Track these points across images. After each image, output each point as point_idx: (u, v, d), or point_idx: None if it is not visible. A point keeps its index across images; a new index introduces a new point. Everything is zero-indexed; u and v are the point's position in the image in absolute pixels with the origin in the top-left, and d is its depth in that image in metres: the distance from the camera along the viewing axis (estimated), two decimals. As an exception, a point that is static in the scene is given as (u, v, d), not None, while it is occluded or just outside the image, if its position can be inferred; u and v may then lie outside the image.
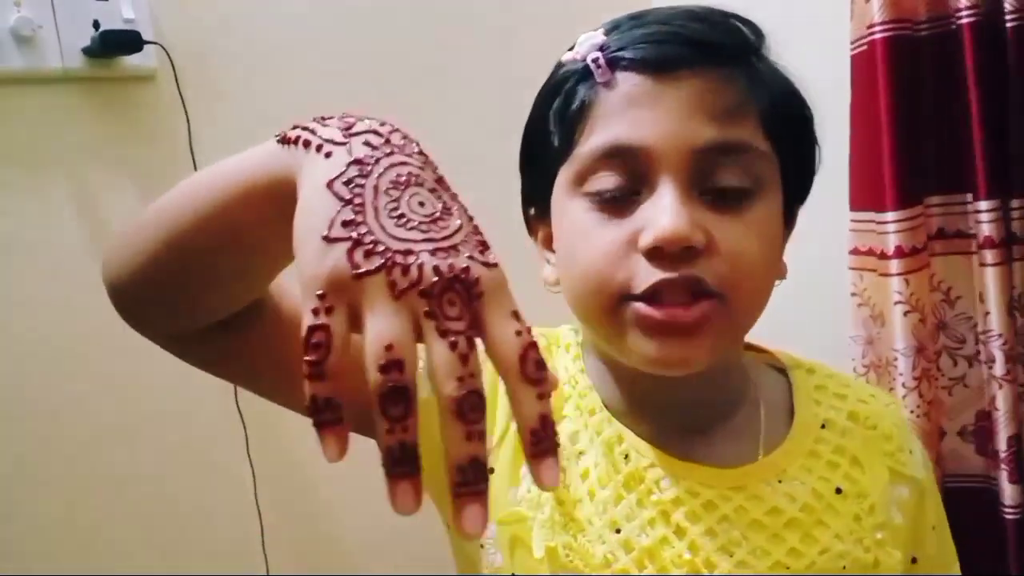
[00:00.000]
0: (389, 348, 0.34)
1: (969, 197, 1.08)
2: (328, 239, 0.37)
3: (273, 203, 0.46)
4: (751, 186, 0.61)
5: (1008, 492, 1.06)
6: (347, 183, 0.39)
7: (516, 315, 0.37)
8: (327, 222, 0.37)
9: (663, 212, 0.58)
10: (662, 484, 0.65)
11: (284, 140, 0.46)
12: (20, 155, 1.44)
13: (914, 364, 1.09)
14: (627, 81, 0.61)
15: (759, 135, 0.61)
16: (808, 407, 0.70)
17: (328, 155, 0.41)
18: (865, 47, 1.13)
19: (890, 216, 1.10)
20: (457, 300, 0.36)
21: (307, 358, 0.34)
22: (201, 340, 0.61)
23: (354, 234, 0.36)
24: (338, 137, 0.42)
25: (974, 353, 1.10)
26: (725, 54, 0.62)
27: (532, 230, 0.74)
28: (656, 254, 0.58)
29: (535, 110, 0.68)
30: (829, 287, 1.31)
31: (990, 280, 1.04)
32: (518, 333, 0.36)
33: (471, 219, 0.41)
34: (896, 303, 1.10)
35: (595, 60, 0.62)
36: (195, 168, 1.53)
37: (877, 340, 1.18)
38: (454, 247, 0.38)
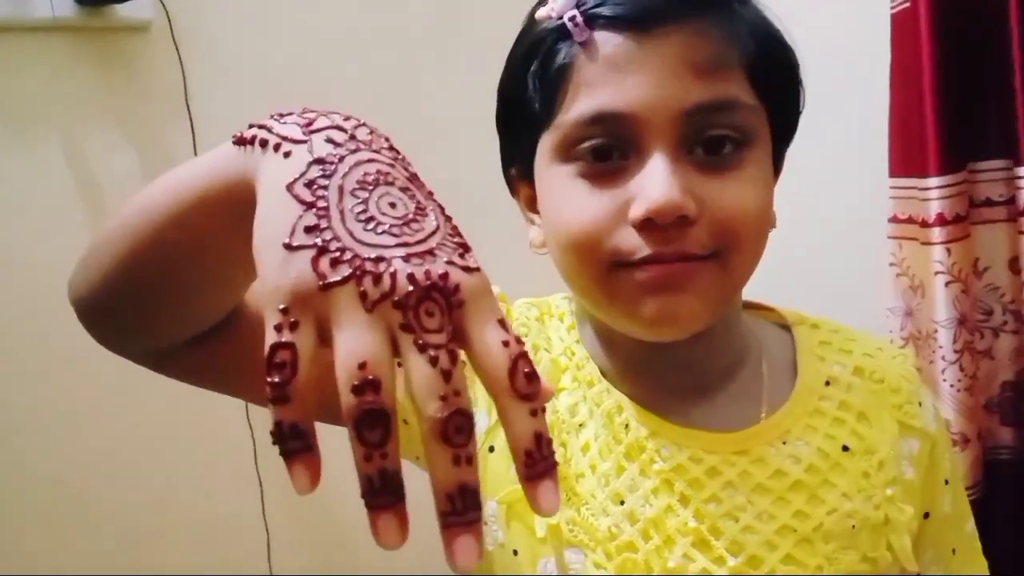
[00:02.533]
0: (362, 367, 0.32)
1: (1009, 163, 1.10)
2: (290, 247, 0.35)
3: (232, 209, 0.45)
4: (741, 140, 0.62)
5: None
6: (308, 185, 0.38)
7: (502, 323, 0.36)
8: (288, 228, 0.36)
9: (654, 182, 0.59)
10: (664, 452, 0.66)
11: (240, 141, 0.44)
12: (8, 108, 1.45)
13: (955, 336, 1.11)
14: (608, 42, 0.61)
15: (746, 87, 0.62)
16: (812, 364, 0.72)
17: (287, 155, 0.40)
18: (907, 4, 1.14)
19: (932, 182, 1.11)
20: (436, 310, 0.35)
21: (271, 379, 0.33)
22: (176, 354, 0.61)
23: (318, 241, 0.35)
24: (297, 134, 0.41)
25: (1000, 324, 1.14)
26: (706, 2, 0.62)
27: (514, 190, 0.75)
28: (647, 225, 0.59)
29: (510, 69, 0.68)
30: (866, 257, 1.33)
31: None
32: (505, 343, 0.35)
33: (448, 219, 0.40)
34: (937, 273, 1.12)
35: (572, 19, 0.62)
36: (191, 122, 1.55)
37: (917, 311, 1.20)
38: (430, 251, 0.36)
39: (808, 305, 0.79)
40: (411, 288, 0.34)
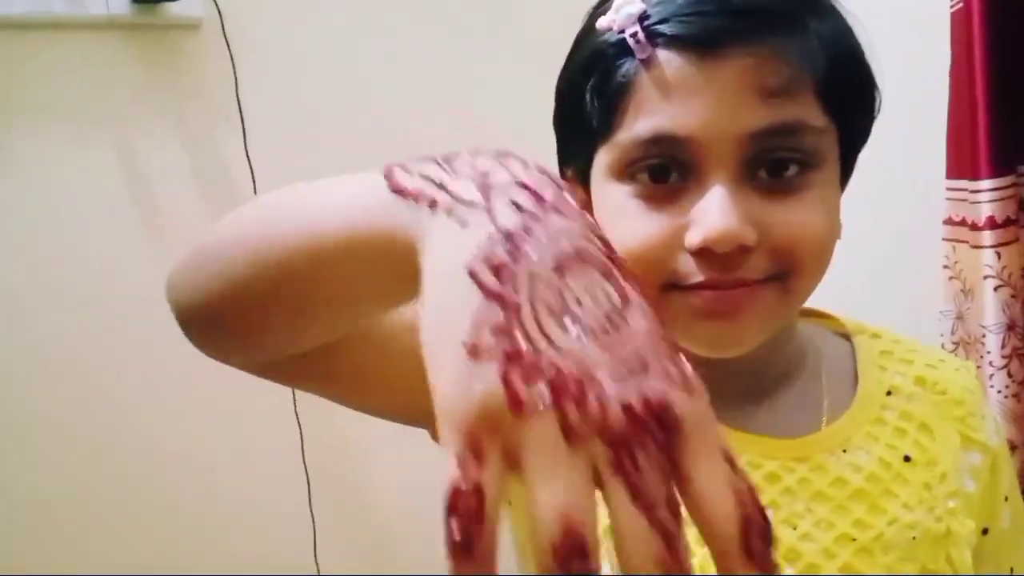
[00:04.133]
0: (566, 524, 0.28)
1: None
2: (474, 353, 0.31)
3: (379, 263, 0.41)
4: (807, 163, 0.61)
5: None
6: (494, 268, 0.33)
7: (730, 460, 0.31)
8: (470, 326, 0.31)
9: (712, 209, 0.58)
10: None
11: (400, 191, 0.39)
12: (63, 104, 1.53)
13: (1004, 342, 1.12)
14: (670, 62, 0.60)
15: (815, 109, 0.61)
16: (873, 373, 0.72)
17: (464, 223, 0.35)
18: (962, 4, 1.17)
19: (983, 184, 1.12)
20: (653, 447, 0.30)
21: (452, 525, 0.29)
22: (283, 365, 0.58)
23: (508, 347, 0.31)
24: (474, 195, 0.36)
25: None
26: (777, 21, 0.60)
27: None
28: (704, 253, 0.59)
29: (568, 76, 0.67)
30: (922, 260, 1.35)
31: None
32: (736, 489, 0.31)
33: (651, 310, 0.35)
34: (986, 277, 1.13)
35: (634, 35, 0.60)
36: (242, 120, 1.61)
37: (967, 315, 1.21)
38: (643, 365, 0.31)
39: (862, 308, 0.80)
40: (625, 419, 0.30)
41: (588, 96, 0.64)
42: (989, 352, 1.14)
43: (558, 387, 0.30)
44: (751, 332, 0.62)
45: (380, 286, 0.44)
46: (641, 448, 0.30)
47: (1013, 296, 1.13)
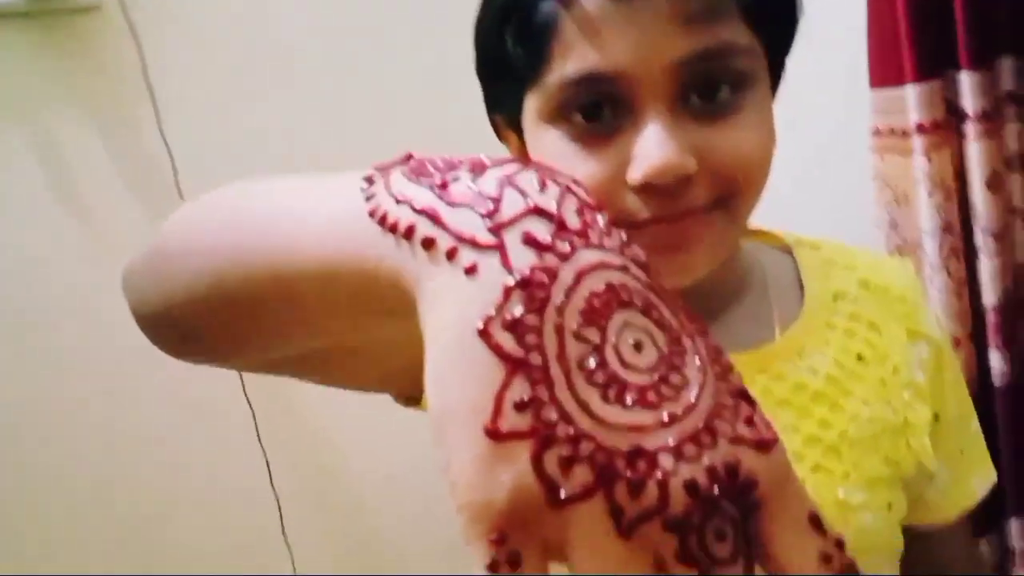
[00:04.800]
0: None
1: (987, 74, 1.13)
2: (497, 436, 0.26)
3: (362, 301, 0.36)
4: (738, 84, 0.60)
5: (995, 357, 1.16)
6: (512, 326, 0.27)
7: (816, 522, 0.28)
8: (489, 403, 0.27)
9: (650, 144, 0.57)
10: None
11: (385, 223, 0.33)
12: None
13: (940, 244, 1.17)
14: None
15: (740, 28, 0.60)
16: (818, 281, 0.74)
17: (471, 270, 0.29)
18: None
19: (910, 90, 1.15)
20: (728, 528, 0.26)
21: None
22: (263, 367, 0.55)
23: (538, 425, 0.26)
24: (481, 234, 0.30)
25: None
26: None
27: (500, 135, 0.73)
28: (648, 188, 0.58)
29: (485, 21, 0.66)
30: (850, 173, 1.38)
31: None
32: (826, 558, 0.27)
33: (709, 343, 0.31)
34: (919, 183, 1.17)
35: None
36: (152, 99, 1.57)
37: (902, 222, 1.25)
38: (708, 427, 0.27)
39: (795, 222, 0.82)
40: (691, 501, 0.26)
41: (510, 42, 0.63)
42: (928, 255, 1.18)
43: (603, 469, 0.25)
44: (703, 260, 0.63)
45: (361, 321, 0.39)
46: (714, 534, 0.25)
47: (947, 199, 1.16)
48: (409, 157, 0.36)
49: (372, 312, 0.36)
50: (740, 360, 0.68)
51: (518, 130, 0.67)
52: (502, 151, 0.74)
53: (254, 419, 1.66)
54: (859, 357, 0.71)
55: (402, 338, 0.34)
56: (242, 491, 1.70)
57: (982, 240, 1.15)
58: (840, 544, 0.28)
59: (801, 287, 0.75)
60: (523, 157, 0.69)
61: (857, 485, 0.67)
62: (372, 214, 0.33)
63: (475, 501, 0.26)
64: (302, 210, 0.39)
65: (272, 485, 1.70)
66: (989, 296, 1.16)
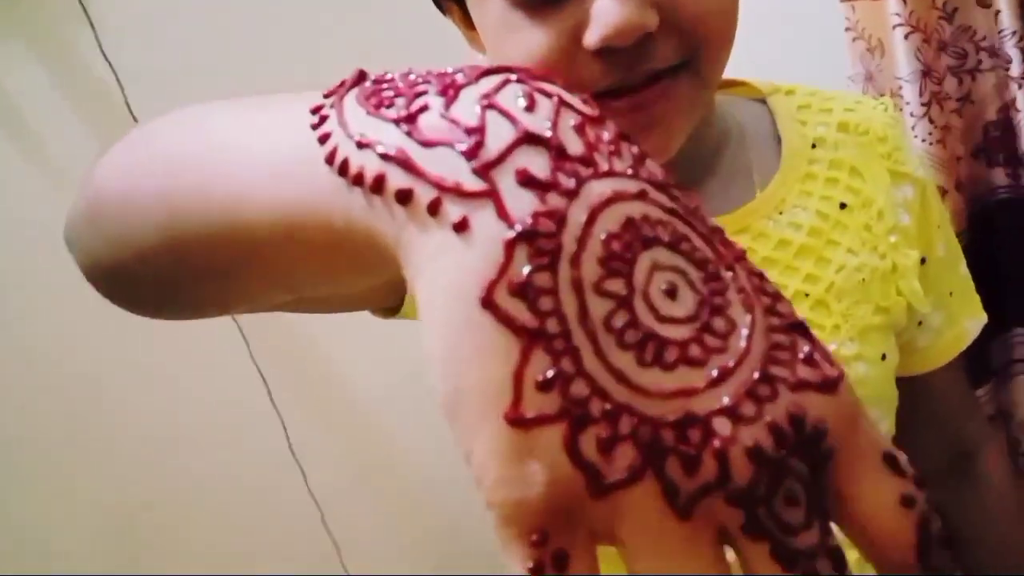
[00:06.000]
0: None
1: None
2: (521, 423, 0.23)
3: (332, 261, 0.32)
4: None
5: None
6: (521, 292, 0.23)
7: (892, 462, 0.25)
8: (508, 386, 0.23)
9: (607, 2, 0.53)
10: None
11: (347, 173, 0.28)
12: None
13: (921, 89, 1.13)
14: None
15: None
16: (794, 129, 0.72)
17: (461, 226, 0.25)
18: None
19: None
20: (799, 490, 0.23)
21: None
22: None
23: (568, 405, 0.23)
24: (467, 179, 0.25)
25: (976, 65, 1.16)
26: None
27: (444, 9, 0.68)
28: (607, 51, 0.54)
29: None
30: (822, 29, 1.34)
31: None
32: (907, 500, 0.24)
33: (752, 270, 0.27)
34: (895, 27, 1.12)
35: None
36: (90, 22, 1.51)
37: (878, 73, 1.21)
38: (766, 376, 0.24)
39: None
40: (755, 470, 0.23)
41: None
42: (908, 103, 1.15)
43: (650, 445, 0.22)
44: (675, 134, 0.60)
45: (335, 278, 0.34)
46: (784, 500, 0.23)
47: (925, 41, 1.13)
48: (361, 77, 0.31)
49: (346, 271, 0.32)
50: (721, 222, 0.67)
51: (460, 3, 0.63)
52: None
53: (245, 341, 1.64)
54: (842, 205, 0.69)
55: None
56: (244, 414, 1.69)
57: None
58: (919, 483, 0.25)
59: (779, 137, 0.72)
60: (468, 27, 0.65)
61: (849, 336, 0.66)
62: (330, 161, 0.28)
63: (507, 500, 0.23)
64: (250, 151, 0.34)
65: (273, 404, 1.68)
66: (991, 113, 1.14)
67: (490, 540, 0.24)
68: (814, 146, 0.71)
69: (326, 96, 0.31)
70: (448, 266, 0.24)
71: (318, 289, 0.39)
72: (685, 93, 0.58)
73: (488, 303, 0.23)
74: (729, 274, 0.26)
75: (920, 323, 0.74)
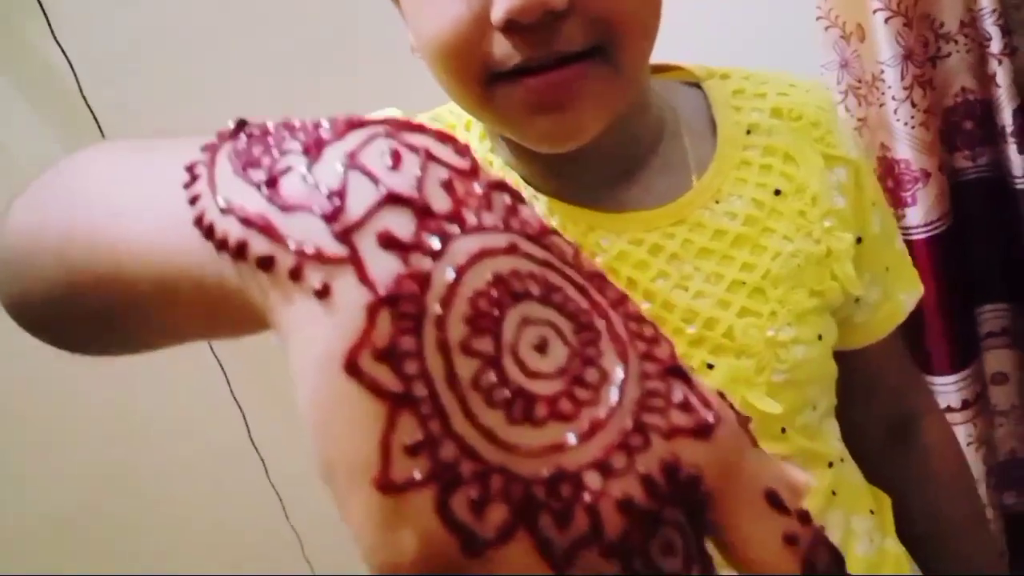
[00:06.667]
0: None
1: None
2: (390, 489, 0.22)
3: (213, 319, 0.32)
4: None
5: (1018, 163, 1.15)
6: (385, 357, 0.23)
7: (774, 500, 0.25)
8: (375, 453, 0.23)
9: None
10: (603, 244, 0.67)
11: (213, 237, 0.27)
12: None
13: (903, 73, 1.14)
14: None
15: None
16: (729, 116, 0.72)
17: (323, 293, 0.24)
18: None
19: None
20: (676, 537, 0.23)
21: None
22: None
23: (438, 467, 0.22)
24: (327, 244, 0.24)
25: (936, 52, 1.18)
26: None
27: None
28: (512, 27, 0.54)
29: None
30: (795, 16, 1.34)
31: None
32: (790, 539, 0.25)
33: (630, 313, 0.27)
34: (876, 11, 1.13)
35: None
36: (41, 5, 1.47)
37: (854, 59, 1.22)
38: (638, 426, 0.24)
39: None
40: (628, 521, 0.23)
41: None
42: (890, 87, 1.16)
43: (521, 503, 0.22)
44: (587, 120, 0.59)
45: (217, 333, 0.34)
46: (659, 547, 0.23)
47: (906, 24, 1.14)
48: (240, 127, 0.30)
49: (227, 328, 0.32)
50: (658, 214, 0.68)
51: None
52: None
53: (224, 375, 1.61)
54: (776, 192, 0.69)
55: None
56: (205, 406, 1.65)
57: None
58: (805, 517, 0.25)
59: (712, 125, 0.73)
60: (397, 7, 0.65)
61: (786, 321, 0.67)
62: (198, 223, 0.28)
63: (384, 564, 0.23)
64: (132, 207, 0.33)
65: (234, 396, 1.65)
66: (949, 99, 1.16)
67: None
68: (748, 132, 0.71)
69: (204, 149, 0.30)
70: (313, 335, 0.24)
71: (208, 338, 0.38)
72: (598, 80, 0.58)
73: (352, 369, 0.23)
74: (603, 323, 0.25)
75: (857, 300, 0.75)
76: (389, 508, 0.22)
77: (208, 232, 0.27)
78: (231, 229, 0.26)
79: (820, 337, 0.70)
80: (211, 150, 0.29)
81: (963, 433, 1.24)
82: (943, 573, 0.82)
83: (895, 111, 1.15)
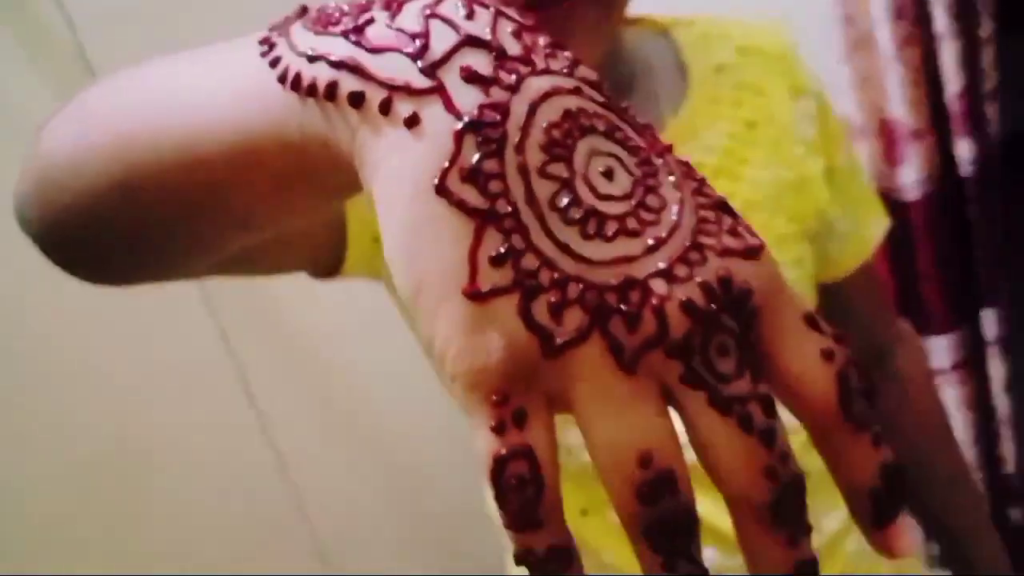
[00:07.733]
0: (645, 457, 0.24)
1: None
2: (478, 297, 0.25)
3: (289, 182, 0.33)
4: None
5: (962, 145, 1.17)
6: (472, 177, 0.25)
7: (812, 321, 0.27)
8: (464, 265, 0.25)
9: None
10: None
11: (300, 86, 0.29)
12: None
13: (894, 32, 1.13)
14: None
15: None
16: (698, 58, 0.74)
17: (412, 121, 0.26)
18: None
19: None
20: (730, 342, 0.25)
21: (507, 505, 0.25)
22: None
23: (520, 276, 0.25)
24: (413, 76, 0.27)
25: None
26: None
27: None
28: None
29: None
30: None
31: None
32: (827, 354, 0.26)
33: (683, 163, 0.29)
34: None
35: None
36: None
37: (855, 15, 1.21)
38: (696, 245, 0.26)
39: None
40: (690, 323, 0.25)
41: None
42: (881, 45, 1.15)
43: (596, 307, 0.24)
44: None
45: (290, 204, 0.36)
46: (717, 350, 0.25)
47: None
48: (304, 10, 0.32)
49: (302, 193, 0.34)
50: None
51: None
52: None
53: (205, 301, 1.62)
54: (749, 124, 0.71)
55: (327, 217, 0.30)
56: (198, 365, 1.67)
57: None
58: (839, 338, 0.27)
59: (683, 68, 0.74)
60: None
61: None
62: (283, 80, 0.30)
63: (471, 368, 0.25)
64: (201, 89, 0.35)
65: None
66: (952, 84, 1.14)
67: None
68: (718, 71, 0.73)
69: (272, 28, 0.32)
70: (402, 161, 0.26)
71: (273, 223, 0.39)
72: (589, 18, 0.59)
73: (442, 190, 0.25)
74: (660, 160, 0.28)
75: (831, 230, 0.77)
76: (477, 314, 0.25)
77: (295, 83, 0.29)
78: (320, 73, 0.28)
79: (799, 262, 0.72)
80: (282, 25, 0.32)
81: (953, 395, 1.24)
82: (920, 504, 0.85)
83: (885, 70, 1.15)
